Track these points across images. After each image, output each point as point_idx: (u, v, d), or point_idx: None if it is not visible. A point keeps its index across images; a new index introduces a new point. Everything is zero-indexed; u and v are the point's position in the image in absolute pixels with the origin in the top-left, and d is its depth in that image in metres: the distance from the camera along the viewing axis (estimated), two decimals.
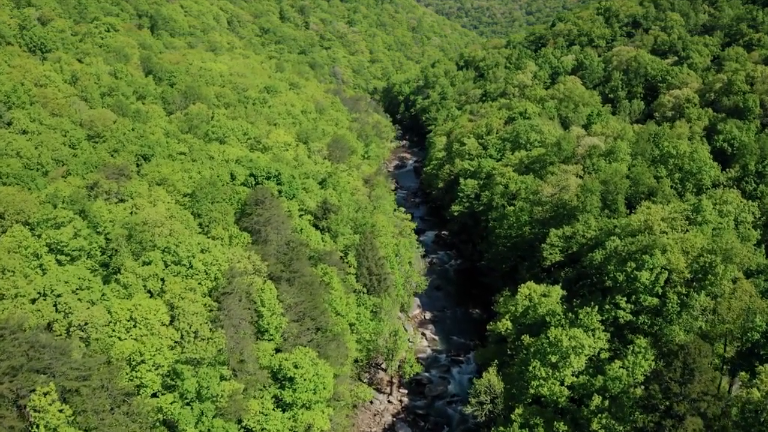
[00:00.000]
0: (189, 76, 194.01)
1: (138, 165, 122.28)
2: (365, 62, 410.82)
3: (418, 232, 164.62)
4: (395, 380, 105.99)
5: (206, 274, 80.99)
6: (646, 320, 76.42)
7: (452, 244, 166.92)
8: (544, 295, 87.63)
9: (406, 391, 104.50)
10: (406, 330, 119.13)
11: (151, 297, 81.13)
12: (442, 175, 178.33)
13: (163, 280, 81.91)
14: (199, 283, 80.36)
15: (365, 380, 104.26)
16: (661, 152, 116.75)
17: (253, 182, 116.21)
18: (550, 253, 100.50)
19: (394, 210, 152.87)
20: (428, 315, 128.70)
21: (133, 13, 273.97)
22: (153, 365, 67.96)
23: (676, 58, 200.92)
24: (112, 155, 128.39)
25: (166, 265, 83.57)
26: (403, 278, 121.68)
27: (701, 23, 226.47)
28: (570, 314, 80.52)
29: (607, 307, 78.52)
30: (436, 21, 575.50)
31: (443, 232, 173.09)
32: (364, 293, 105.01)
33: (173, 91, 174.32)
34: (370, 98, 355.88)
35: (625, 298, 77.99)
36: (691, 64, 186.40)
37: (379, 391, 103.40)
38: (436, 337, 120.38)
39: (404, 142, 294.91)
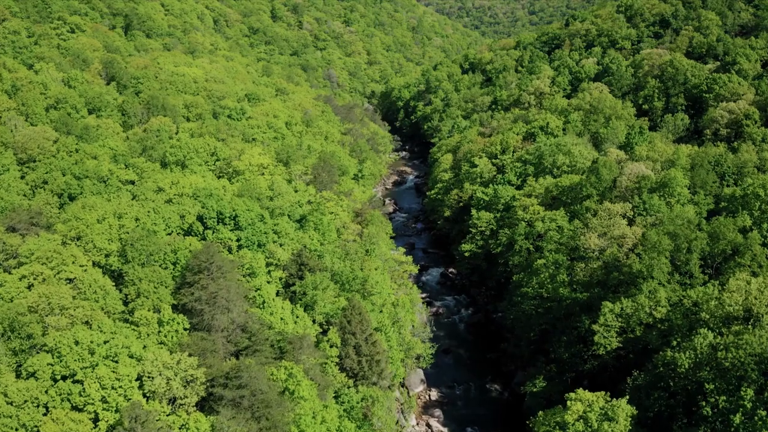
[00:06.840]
0: (158, 82, 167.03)
1: (62, 206, 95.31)
2: (362, 64, 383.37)
3: (421, 269, 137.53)
4: None
5: (104, 402, 53.95)
6: None
7: (462, 287, 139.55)
8: (607, 417, 60.63)
9: None
10: (406, 419, 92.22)
11: None
12: (449, 202, 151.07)
13: (47, 407, 55.03)
14: (95, 420, 53.33)
15: None
16: (743, 192, 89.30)
17: (201, 229, 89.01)
18: (605, 337, 73.63)
19: (392, 250, 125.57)
20: (434, 393, 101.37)
21: (106, 12, 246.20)
22: None
23: (717, 63, 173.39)
24: (33, 191, 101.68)
25: (55, 381, 56.70)
26: (403, 352, 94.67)
27: (738, 23, 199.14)
28: None
29: None
30: (437, 20, 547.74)
31: (451, 270, 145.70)
32: (349, 387, 78.21)
33: (136, 102, 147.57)
34: (366, 103, 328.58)
35: None
36: (740, 70, 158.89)
37: None
38: (445, 430, 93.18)
39: (404, 153, 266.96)
